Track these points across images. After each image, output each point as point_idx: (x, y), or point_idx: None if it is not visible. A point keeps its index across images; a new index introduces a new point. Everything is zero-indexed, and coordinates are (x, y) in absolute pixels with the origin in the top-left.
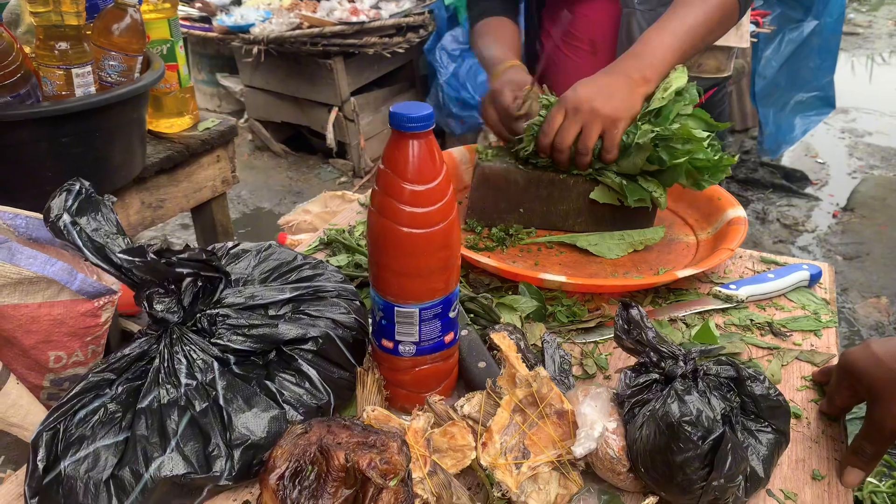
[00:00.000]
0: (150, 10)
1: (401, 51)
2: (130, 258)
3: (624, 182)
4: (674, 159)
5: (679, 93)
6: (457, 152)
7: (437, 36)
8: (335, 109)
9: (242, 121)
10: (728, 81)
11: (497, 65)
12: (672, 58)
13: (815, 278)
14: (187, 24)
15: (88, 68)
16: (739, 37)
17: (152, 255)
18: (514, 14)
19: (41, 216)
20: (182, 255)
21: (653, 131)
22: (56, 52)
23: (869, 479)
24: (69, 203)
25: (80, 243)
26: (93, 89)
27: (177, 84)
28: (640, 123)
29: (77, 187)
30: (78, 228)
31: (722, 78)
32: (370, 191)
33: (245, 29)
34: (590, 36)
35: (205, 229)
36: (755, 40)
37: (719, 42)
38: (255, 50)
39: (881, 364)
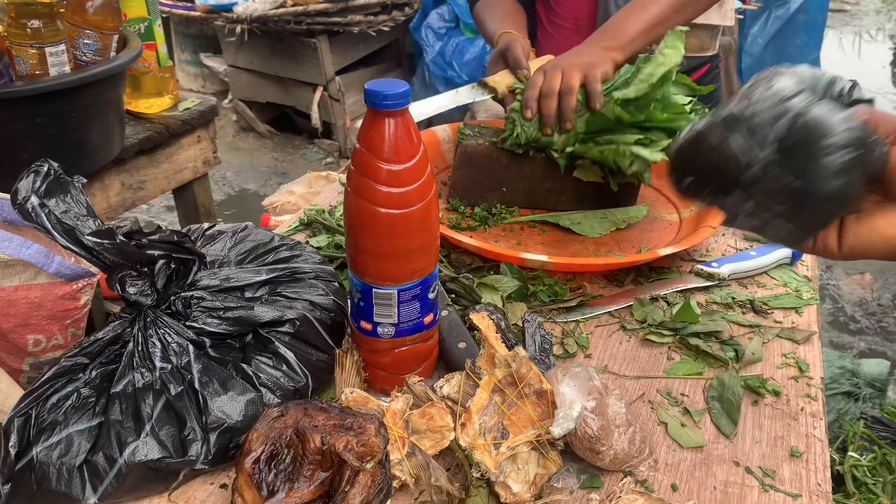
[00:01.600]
0: None
1: (386, 29)
2: (100, 241)
3: (608, 173)
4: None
5: (665, 78)
6: (439, 131)
7: (423, 14)
8: (320, 89)
9: (227, 101)
10: (719, 61)
11: (495, 35)
12: (642, 33)
13: (796, 255)
14: (170, 2)
15: (62, 47)
16: (722, 15)
17: (122, 238)
18: None
19: None
20: (153, 237)
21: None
22: (28, 30)
23: (850, 453)
24: (37, 185)
25: (49, 226)
26: (67, 68)
27: (155, 63)
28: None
29: (46, 168)
30: (46, 211)
31: (707, 56)
32: (347, 170)
33: (228, 8)
34: (573, 14)
35: (187, 211)
36: (742, 17)
37: (700, 20)
38: (238, 29)
39: None
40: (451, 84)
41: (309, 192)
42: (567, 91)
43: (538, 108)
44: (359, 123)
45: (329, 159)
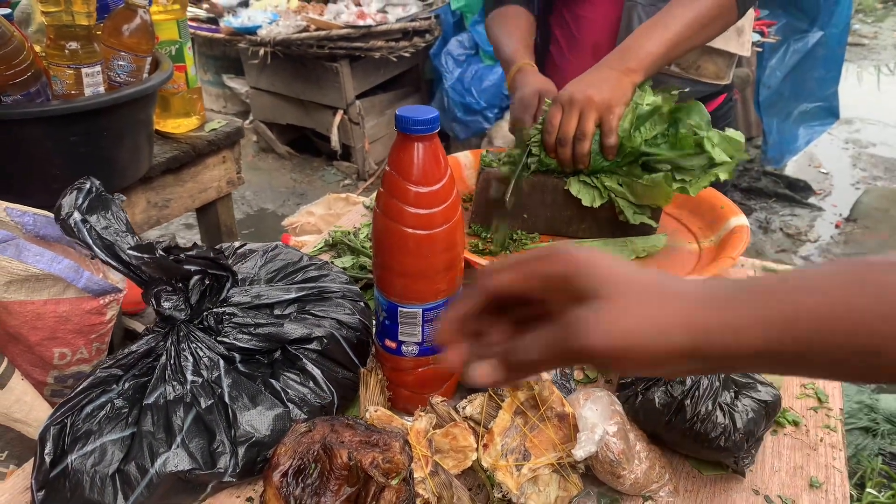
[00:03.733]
0: (160, 11)
1: (407, 55)
2: (139, 255)
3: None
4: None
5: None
6: (462, 157)
7: (444, 41)
8: (340, 112)
9: (248, 122)
10: (734, 92)
11: (511, 65)
12: (661, 51)
13: None
14: (194, 24)
15: (98, 68)
16: (741, 44)
17: (161, 252)
18: (529, 2)
19: (49, 214)
20: (190, 253)
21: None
22: (66, 51)
23: (868, 489)
24: (80, 201)
25: (90, 241)
26: (102, 89)
27: (184, 85)
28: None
29: (87, 186)
30: (88, 226)
31: (722, 86)
32: (376, 192)
33: (252, 31)
34: (593, 39)
35: (209, 230)
36: (760, 49)
37: (720, 46)
38: (261, 52)
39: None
40: (469, 110)
41: (328, 214)
42: (581, 137)
43: (555, 154)
44: (377, 146)
45: (347, 181)
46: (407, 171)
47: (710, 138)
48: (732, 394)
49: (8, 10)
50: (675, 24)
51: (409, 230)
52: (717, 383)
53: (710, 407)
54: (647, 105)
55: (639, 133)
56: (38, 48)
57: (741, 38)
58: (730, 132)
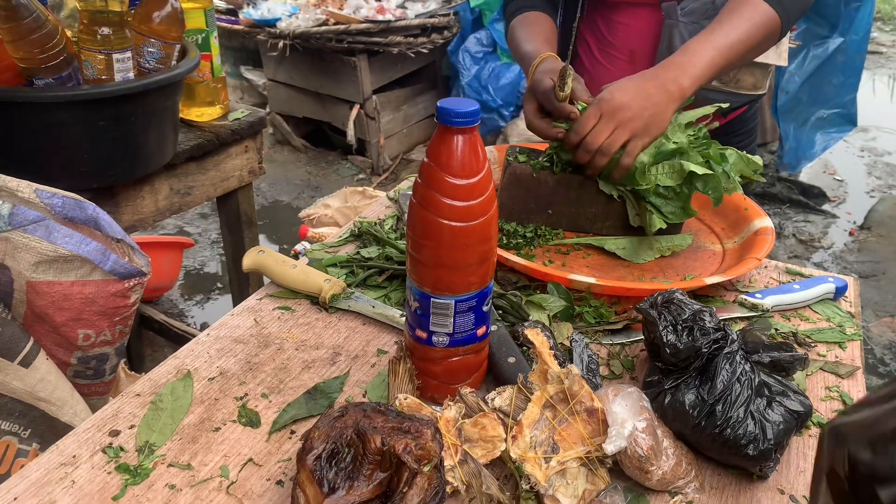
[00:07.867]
0: (187, 0)
1: (424, 51)
2: None
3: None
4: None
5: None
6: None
7: (461, 37)
8: (357, 107)
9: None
10: (763, 97)
11: (532, 60)
12: (711, 71)
13: (840, 291)
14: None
15: (128, 54)
16: (778, 55)
17: None
18: (551, 8)
19: (77, 196)
20: None
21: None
22: (98, 36)
23: None
24: None
25: None
26: (131, 75)
27: (209, 73)
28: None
29: None
30: None
31: (757, 95)
32: (412, 181)
33: (271, 23)
34: (629, 46)
35: (229, 218)
36: None
37: (759, 59)
38: (280, 44)
39: None
40: (485, 107)
41: (345, 207)
42: (604, 152)
43: (574, 153)
44: (392, 141)
45: (361, 175)
46: (446, 163)
47: (727, 157)
48: (765, 401)
49: None
50: (728, 44)
51: (446, 222)
52: (749, 391)
53: (741, 414)
54: (673, 144)
55: (653, 172)
56: (69, 33)
57: (779, 49)
58: (749, 157)
